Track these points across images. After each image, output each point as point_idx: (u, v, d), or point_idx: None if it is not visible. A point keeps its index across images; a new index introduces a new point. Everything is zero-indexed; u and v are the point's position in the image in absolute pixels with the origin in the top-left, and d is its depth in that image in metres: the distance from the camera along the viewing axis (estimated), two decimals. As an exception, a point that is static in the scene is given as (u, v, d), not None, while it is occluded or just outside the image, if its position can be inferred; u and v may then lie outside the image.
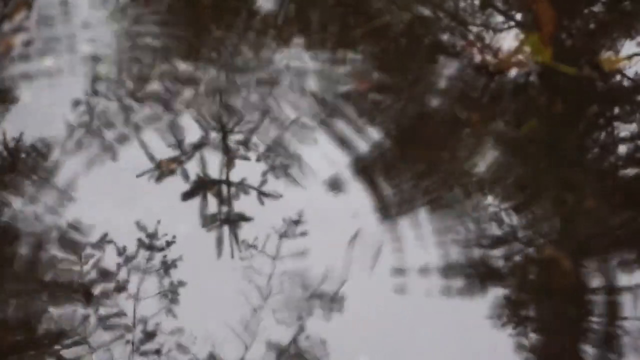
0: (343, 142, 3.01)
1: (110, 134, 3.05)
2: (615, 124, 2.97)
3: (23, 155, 3.00)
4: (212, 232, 2.90)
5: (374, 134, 3.02)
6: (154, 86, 3.12)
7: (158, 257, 2.88)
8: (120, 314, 2.81)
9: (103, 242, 2.89)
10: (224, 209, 2.94)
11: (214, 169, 3.01)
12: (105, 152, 3.01)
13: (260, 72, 3.12)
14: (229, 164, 3.02)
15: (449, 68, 3.07)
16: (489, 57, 3.05)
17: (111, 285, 2.84)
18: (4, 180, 2.96)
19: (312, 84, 3.10)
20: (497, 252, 2.85)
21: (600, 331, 2.74)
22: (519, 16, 3.12)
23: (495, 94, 3.03)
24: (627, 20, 3.09)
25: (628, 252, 2.84)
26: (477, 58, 3.06)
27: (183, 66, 3.15)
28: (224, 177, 3.00)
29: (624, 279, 2.80)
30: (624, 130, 2.96)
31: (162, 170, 3.00)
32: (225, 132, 3.05)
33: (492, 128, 2.99)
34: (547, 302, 2.79)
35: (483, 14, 3.14)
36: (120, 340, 2.79)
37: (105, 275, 2.86)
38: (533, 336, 2.76)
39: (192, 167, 3.01)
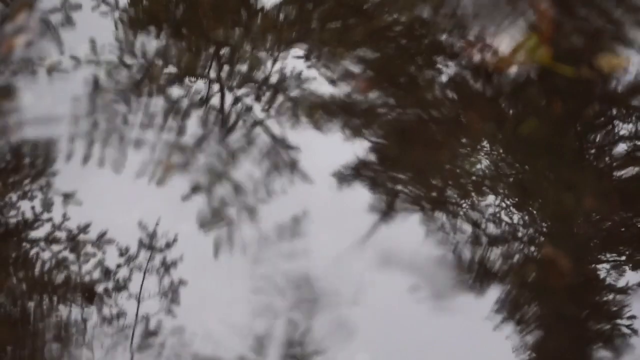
0: (343, 142, 3.02)
1: (111, 135, 3.06)
2: (615, 124, 2.97)
3: (25, 156, 3.01)
4: (212, 232, 2.92)
5: (374, 133, 3.03)
6: (154, 87, 3.13)
7: (159, 257, 2.90)
8: (121, 313, 2.84)
9: (104, 242, 2.91)
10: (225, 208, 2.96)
11: (214, 169, 3.03)
12: (106, 153, 3.03)
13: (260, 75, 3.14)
14: (229, 162, 3.03)
15: (448, 68, 3.07)
16: (488, 57, 3.05)
17: (112, 285, 2.86)
18: (6, 180, 2.98)
19: (311, 84, 3.11)
20: (497, 252, 2.86)
21: (599, 330, 2.75)
22: (519, 16, 3.12)
23: (495, 94, 3.03)
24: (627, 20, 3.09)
25: (627, 251, 2.84)
26: (477, 58, 3.06)
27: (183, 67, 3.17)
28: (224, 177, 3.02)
29: (623, 279, 2.81)
30: (623, 130, 2.96)
31: (163, 170, 3.01)
32: (225, 131, 3.06)
33: (492, 128, 3.00)
34: (546, 302, 2.80)
35: (483, 14, 3.13)
36: (121, 338, 2.81)
37: (106, 275, 2.88)
38: (532, 335, 2.77)
39: (193, 168, 3.03)
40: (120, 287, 2.88)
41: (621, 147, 2.94)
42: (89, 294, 2.85)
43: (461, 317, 2.76)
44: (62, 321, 2.81)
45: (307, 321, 2.81)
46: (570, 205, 2.85)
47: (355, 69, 3.10)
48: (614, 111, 2.97)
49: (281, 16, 3.15)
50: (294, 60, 3.12)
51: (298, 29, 3.13)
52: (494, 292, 2.81)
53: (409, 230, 2.89)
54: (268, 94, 3.09)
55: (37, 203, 2.95)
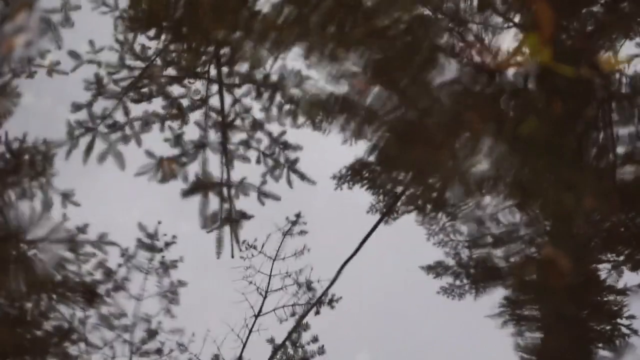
0: (344, 142, 3.02)
1: (112, 134, 3.07)
2: (614, 124, 2.97)
3: (26, 156, 3.01)
4: (213, 231, 2.92)
5: (374, 133, 3.03)
6: (154, 87, 3.13)
7: (158, 257, 2.91)
8: (121, 314, 2.84)
9: (104, 242, 2.91)
10: (225, 208, 2.96)
11: (215, 169, 3.03)
12: (107, 152, 3.03)
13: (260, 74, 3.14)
14: (228, 163, 3.03)
15: (448, 68, 3.07)
16: (488, 58, 3.05)
17: (112, 285, 2.87)
18: (7, 181, 2.97)
19: (312, 84, 3.11)
20: (497, 252, 2.86)
21: (599, 330, 2.76)
22: (518, 16, 3.12)
23: (495, 94, 3.03)
24: (626, 21, 3.09)
25: (626, 251, 2.85)
26: (477, 58, 3.06)
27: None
28: (224, 177, 3.02)
29: (622, 279, 2.81)
30: (623, 130, 2.96)
31: (164, 171, 3.01)
32: (225, 132, 3.06)
33: (492, 128, 3.00)
34: (546, 301, 2.80)
35: (482, 15, 3.14)
36: (121, 339, 2.81)
37: (107, 275, 2.88)
38: (532, 335, 2.77)
39: (193, 168, 3.03)
40: (120, 287, 2.88)
41: (621, 147, 2.94)
42: (88, 295, 2.85)
43: (461, 317, 2.76)
44: (61, 322, 2.82)
45: (307, 319, 2.81)
46: (570, 205, 2.85)
47: (355, 68, 3.10)
48: (614, 111, 2.98)
49: (281, 16, 3.15)
50: (294, 60, 3.12)
51: (298, 28, 3.13)
52: (494, 292, 2.82)
53: (409, 230, 2.90)
54: (268, 93, 3.09)
55: (37, 203, 2.96)
